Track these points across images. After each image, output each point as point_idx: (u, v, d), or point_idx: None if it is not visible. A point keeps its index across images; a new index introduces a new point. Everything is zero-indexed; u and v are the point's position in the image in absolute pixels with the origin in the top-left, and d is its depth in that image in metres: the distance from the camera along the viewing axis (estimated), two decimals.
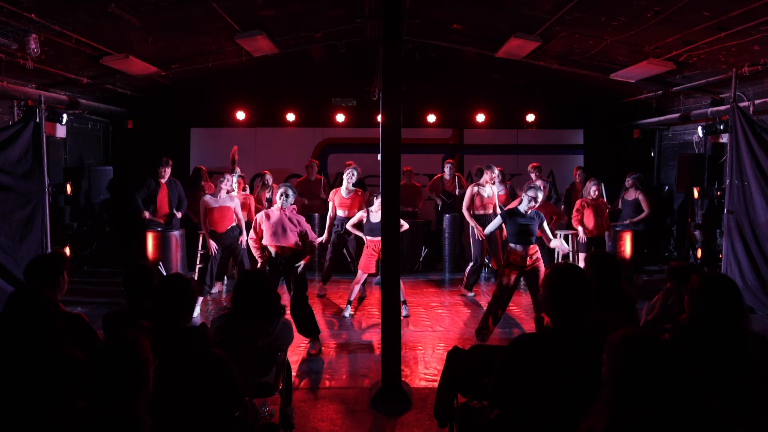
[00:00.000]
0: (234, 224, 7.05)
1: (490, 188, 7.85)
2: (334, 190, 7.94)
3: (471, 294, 7.84)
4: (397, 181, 4.60)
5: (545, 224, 5.96)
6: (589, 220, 7.69)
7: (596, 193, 7.76)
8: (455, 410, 3.21)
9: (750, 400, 2.41)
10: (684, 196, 9.68)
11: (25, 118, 6.66)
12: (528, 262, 5.78)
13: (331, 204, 7.81)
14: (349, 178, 7.69)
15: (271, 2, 6.87)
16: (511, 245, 5.85)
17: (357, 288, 6.98)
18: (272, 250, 5.88)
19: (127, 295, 3.41)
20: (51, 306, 2.56)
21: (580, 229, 7.73)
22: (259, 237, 5.94)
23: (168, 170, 8.13)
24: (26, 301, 2.53)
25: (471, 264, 7.86)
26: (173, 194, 8.18)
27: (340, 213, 7.76)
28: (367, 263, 6.87)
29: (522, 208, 5.87)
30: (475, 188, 7.78)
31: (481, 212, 7.74)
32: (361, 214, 7.00)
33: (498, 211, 7.59)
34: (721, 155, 8.29)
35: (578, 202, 7.89)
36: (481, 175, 7.92)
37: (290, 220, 5.86)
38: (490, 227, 6.34)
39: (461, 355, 3.38)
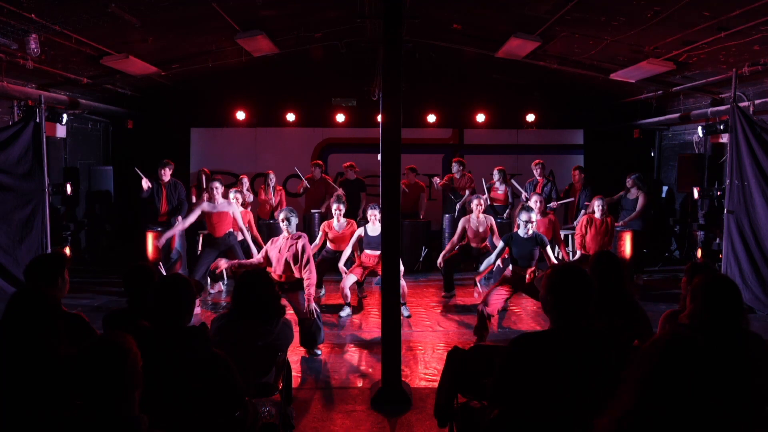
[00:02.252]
0: (231, 230, 7.04)
1: (480, 220, 7.45)
2: (326, 222, 7.44)
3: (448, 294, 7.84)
4: (397, 181, 4.60)
5: (548, 248, 6.06)
6: (593, 241, 7.40)
7: (601, 209, 7.40)
8: (455, 410, 3.20)
9: (750, 400, 2.40)
10: (684, 196, 9.68)
11: (25, 118, 6.66)
12: (527, 279, 5.95)
13: (320, 234, 7.40)
14: (337, 214, 7.25)
15: (271, 2, 6.86)
16: (511, 266, 6.06)
17: (347, 288, 6.81)
18: (275, 277, 5.70)
19: (127, 295, 3.42)
20: (51, 306, 2.56)
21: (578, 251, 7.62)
22: (266, 263, 5.80)
23: (167, 171, 8.01)
24: (26, 302, 2.53)
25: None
26: (172, 196, 8.06)
27: (330, 247, 7.42)
28: (353, 269, 6.91)
29: (521, 233, 5.99)
30: (466, 223, 7.49)
31: (474, 245, 7.52)
32: (359, 233, 6.92)
33: (488, 244, 7.50)
34: (721, 155, 8.29)
35: (583, 219, 7.57)
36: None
37: (296, 248, 5.65)
38: (486, 263, 6.37)
39: (461, 355, 3.38)
